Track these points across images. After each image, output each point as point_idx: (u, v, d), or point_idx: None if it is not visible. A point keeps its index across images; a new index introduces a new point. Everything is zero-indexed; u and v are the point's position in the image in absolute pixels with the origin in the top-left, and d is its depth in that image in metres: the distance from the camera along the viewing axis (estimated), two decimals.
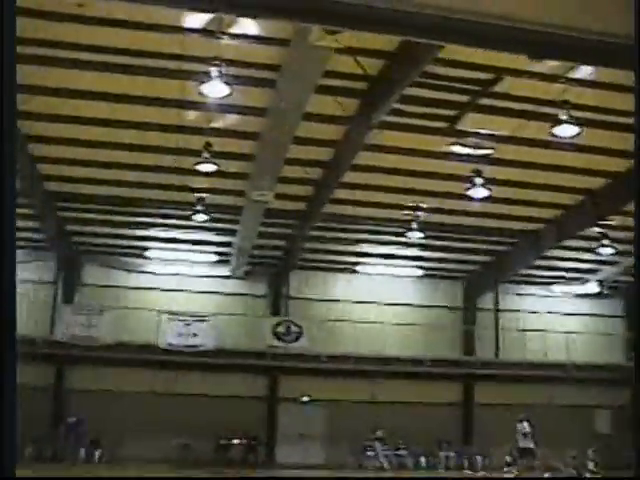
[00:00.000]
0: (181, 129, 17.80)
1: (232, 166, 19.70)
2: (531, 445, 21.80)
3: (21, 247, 27.47)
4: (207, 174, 19.37)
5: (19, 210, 22.84)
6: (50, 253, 27.49)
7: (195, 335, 26.43)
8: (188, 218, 23.23)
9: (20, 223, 24.51)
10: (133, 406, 26.29)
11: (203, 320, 26.84)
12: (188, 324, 26.55)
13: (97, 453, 25.68)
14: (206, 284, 29.29)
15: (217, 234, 25.89)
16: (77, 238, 27.28)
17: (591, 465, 14.90)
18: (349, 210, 23.29)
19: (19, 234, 25.95)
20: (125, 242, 27.42)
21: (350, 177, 20.14)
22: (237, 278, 29.26)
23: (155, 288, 28.77)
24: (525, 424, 22.12)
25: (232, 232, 24.61)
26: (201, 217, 22.79)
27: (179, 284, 28.99)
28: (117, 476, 8.65)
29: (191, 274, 29.10)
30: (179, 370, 27.37)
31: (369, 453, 26.96)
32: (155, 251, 27.90)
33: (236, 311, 28.97)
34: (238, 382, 28.00)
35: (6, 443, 3.34)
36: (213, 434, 26.58)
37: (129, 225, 25.35)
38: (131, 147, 18.89)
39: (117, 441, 25.86)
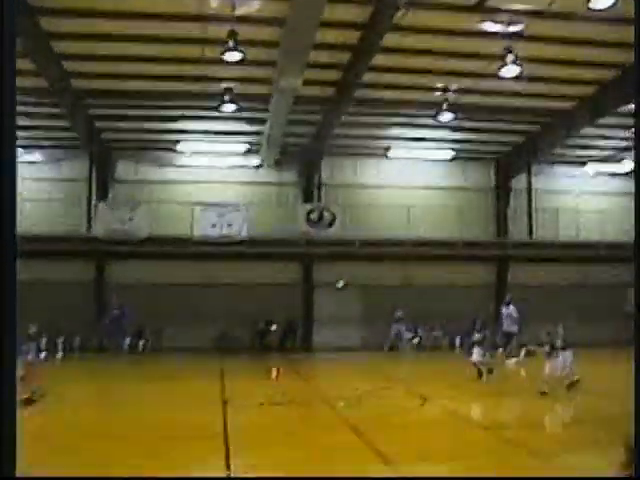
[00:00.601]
0: (205, 19, 17.47)
1: (259, 54, 19.35)
2: (514, 329, 21.29)
3: (53, 147, 27.76)
4: (234, 63, 19.09)
5: (48, 110, 22.97)
6: (82, 151, 27.72)
7: (229, 225, 26.73)
8: (217, 109, 23.08)
9: (50, 122, 24.76)
10: (172, 298, 26.96)
11: (236, 210, 27.08)
12: (222, 215, 26.82)
13: (141, 343, 26.66)
14: (238, 174, 29.39)
15: (246, 124, 25.78)
16: (108, 135, 27.38)
17: (559, 342, 15.10)
18: (379, 94, 22.97)
19: (50, 134, 26.20)
20: (155, 136, 27.47)
21: (379, 60, 19.70)
22: (268, 167, 29.32)
23: (187, 181, 28.96)
24: (511, 307, 21.82)
25: (261, 121, 24.44)
26: (230, 107, 22.63)
27: (211, 176, 29.12)
28: (127, 476, 9.27)
29: (222, 165, 29.19)
30: (215, 260, 27.92)
31: (405, 334, 27.60)
32: (185, 144, 27.90)
33: (269, 200, 29.19)
34: (273, 270, 28.48)
35: (6, 443, 3.48)
36: (251, 321, 27.32)
37: (158, 119, 25.31)
38: (155, 39, 18.57)
39: (158, 331, 26.75)
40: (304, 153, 28.87)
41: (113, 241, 26.37)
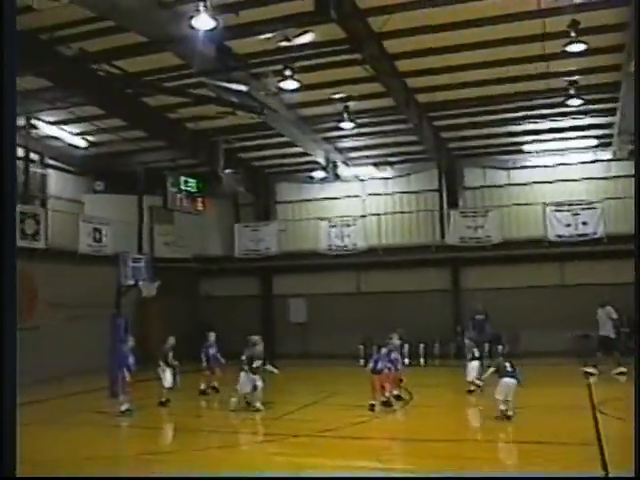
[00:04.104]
0: (543, 13, 16.90)
1: (603, 40, 18.26)
2: (612, 335, 19.91)
3: (403, 161, 29.18)
4: (577, 54, 18.26)
5: (396, 127, 24.15)
6: (430, 163, 28.73)
7: (584, 223, 25.59)
8: (562, 105, 22.32)
9: (399, 139, 25.96)
10: (526, 300, 26.60)
11: (591, 208, 25.84)
12: (576, 213, 25.80)
13: (499, 348, 26.52)
14: (589, 170, 28.13)
15: (594, 116, 24.50)
16: (454, 144, 27.93)
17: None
18: None
19: (399, 149, 27.52)
20: (500, 140, 27.34)
21: None
22: (621, 159, 27.55)
23: (537, 181, 28.53)
24: (609, 308, 19.64)
25: (611, 111, 23.12)
26: (575, 102, 21.74)
27: (561, 174, 28.27)
28: (129, 476, 9.60)
29: (572, 162, 28.16)
30: (571, 261, 27.02)
31: None
32: (532, 144, 27.38)
33: (625, 194, 27.40)
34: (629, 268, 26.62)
35: (6, 443, 3.56)
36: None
37: (502, 122, 25.14)
38: (492, 43, 18.42)
39: (515, 335, 26.32)
40: None
41: (466, 248, 26.76)
